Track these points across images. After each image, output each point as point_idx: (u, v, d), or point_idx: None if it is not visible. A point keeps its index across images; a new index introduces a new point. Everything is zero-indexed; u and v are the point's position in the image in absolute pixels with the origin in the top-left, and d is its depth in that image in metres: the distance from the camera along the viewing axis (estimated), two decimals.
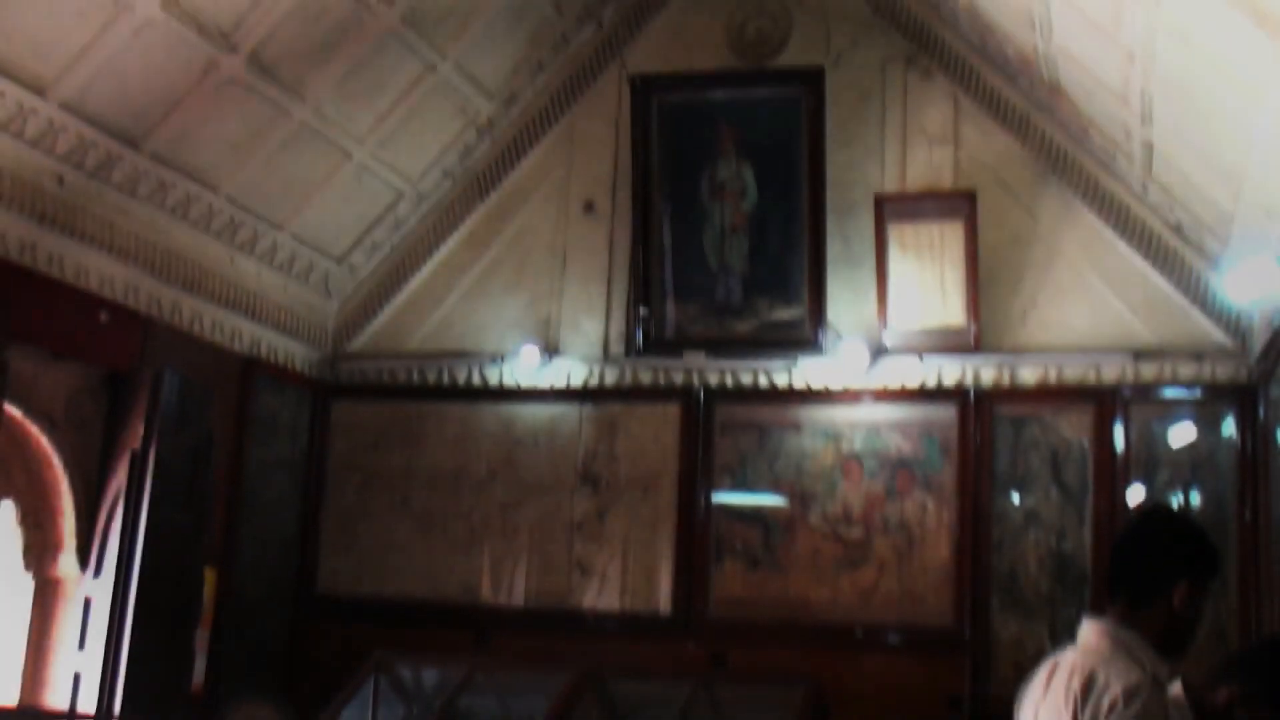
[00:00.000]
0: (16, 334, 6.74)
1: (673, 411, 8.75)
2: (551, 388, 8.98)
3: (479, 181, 9.43)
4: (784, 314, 8.51)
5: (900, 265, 8.21)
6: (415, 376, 9.26)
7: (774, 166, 8.54)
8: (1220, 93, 5.69)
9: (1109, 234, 8.18)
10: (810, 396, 8.52)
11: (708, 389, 8.70)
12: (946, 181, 8.48)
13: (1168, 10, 5.41)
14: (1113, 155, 7.95)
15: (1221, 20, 5.01)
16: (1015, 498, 8.07)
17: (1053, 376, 8.13)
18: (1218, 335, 7.90)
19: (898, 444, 8.33)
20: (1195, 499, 7.78)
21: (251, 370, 8.62)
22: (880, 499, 8.30)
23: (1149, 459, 7.90)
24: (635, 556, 8.65)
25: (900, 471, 8.29)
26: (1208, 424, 7.85)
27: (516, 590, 8.80)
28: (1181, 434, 7.89)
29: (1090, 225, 8.23)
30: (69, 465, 7.42)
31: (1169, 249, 8.03)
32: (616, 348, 8.92)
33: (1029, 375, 8.17)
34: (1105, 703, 3.06)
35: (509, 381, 9.06)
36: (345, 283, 9.43)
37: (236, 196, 8.17)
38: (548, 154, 9.35)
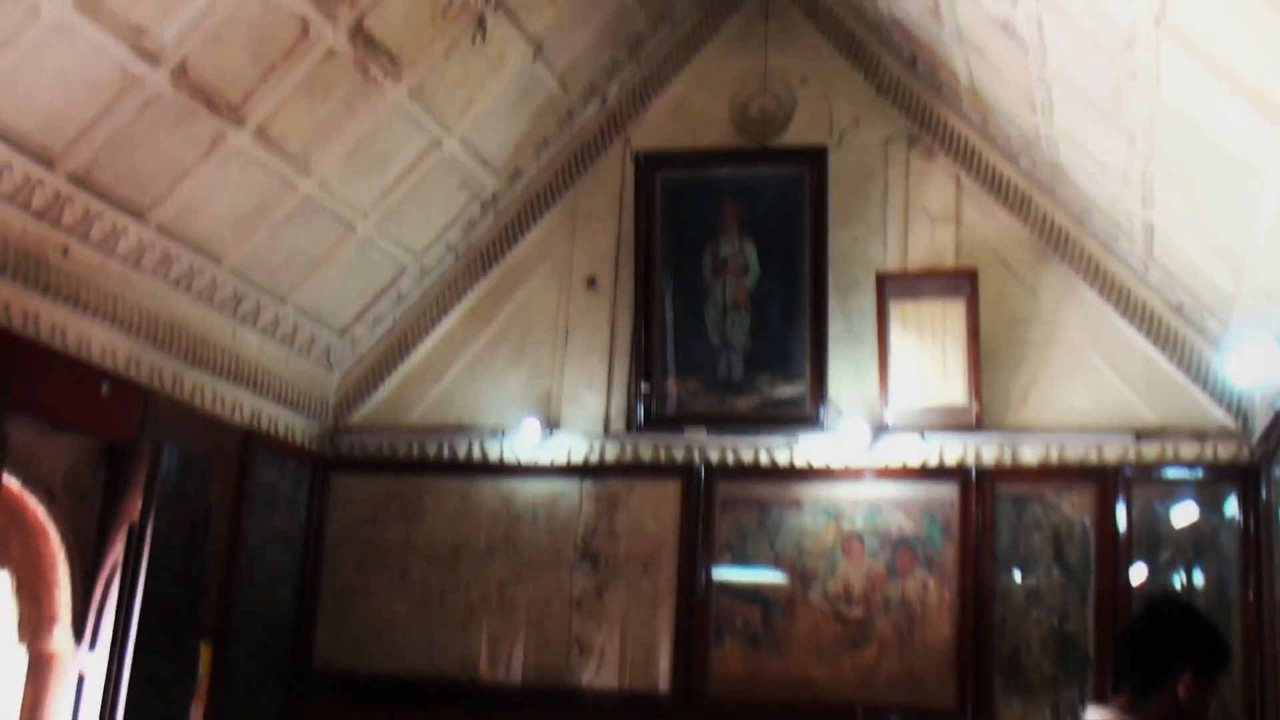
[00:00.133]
0: (17, 405, 6.71)
1: (673, 488, 8.72)
2: (552, 463, 8.95)
3: (482, 256, 9.47)
4: (785, 391, 8.51)
5: (902, 343, 8.23)
6: (415, 450, 9.24)
7: (776, 244, 8.58)
8: (1221, 176, 5.73)
9: (1111, 314, 8.20)
10: (811, 474, 8.50)
11: (708, 465, 8.67)
12: (948, 260, 8.51)
13: (1168, 94, 5.46)
14: (1114, 236, 7.99)
15: (1222, 105, 5.05)
16: (1017, 577, 8.02)
17: (1054, 456, 8.11)
18: (1220, 415, 7.90)
19: (899, 522, 8.29)
20: (1198, 579, 7.73)
21: (251, 442, 8.60)
22: (881, 578, 8.25)
23: (1151, 539, 7.86)
24: (634, 634, 8.58)
25: (901, 550, 8.25)
26: (1210, 504, 7.82)
27: (514, 667, 8.72)
28: (1184, 514, 7.86)
29: (1092, 305, 8.25)
30: (66, 538, 7.37)
31: (1170, 329, 8.05)
32: (617, 423, 8.90)
33: (1030, 454, 8.15)
34: None
35: (509, 456, 9.04)
36: (347, 355, 9.44)
37: (241, 269, 8.20)
38: (551, 229, 9.40)
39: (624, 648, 8.56)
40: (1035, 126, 7.55)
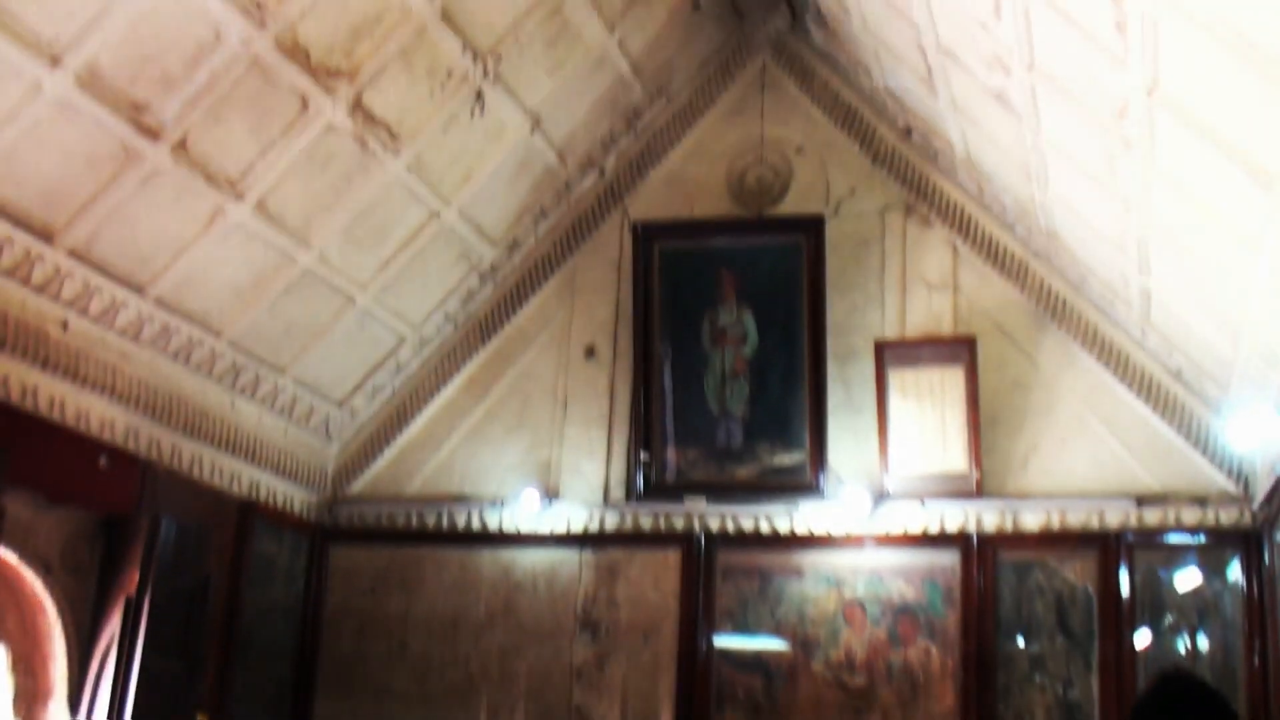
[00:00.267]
0: (15, 479, 6.70)
1: (673, 557, 8.68)
2: (551, 532, 8.92)
3: (481, 326, 9.49)
4: (785, 459, 8.50)
5: (901, 410, 8.24)
6: (414, 520, 9.21)
7: (775, 312, 8.62)
8: (1216, 242, 5.76)
9: (1109, 379, 8.21)
10: (812, 542, 8.47)
11: (708, 534, 8.64)
12: (946, 327, 8.53)
13: (1162, 162, 5.50)
14: (1111, 302, 8.01)
15: (1215, 172, 5.09)
16: (1020, 644, 7.97)
17: (1056, 522, 8.08)
18: (1220, 480, 7.88)
19: (900, 590, 8.25)
20: (1202, 644, 7.69)
21: (249, 514, 8.56)
22: (884, 645, 8.20)
23: (1155, 604, 7.82)
24: (635, 705, 8.51)
25: (903, 617, 8.21)
26: (1213, 569, 7.79)
27: None
28: (1187, 579, 7.83)
29: (1090, 371, 8.26)
30: (63, 611, 7.32)
31: (1170, 395, 8.05)
32: (617, 492, 8.88)
33: (1032, 520, 8.12)
34: None
35: (509, 526, 9.01)
36: (345, 426, 9.44)
37: (239, 341, 8.21)
38: (549, 299, 9.43)
39: (625, 718, 8.49)
40: (1031, 194, 7.60)
